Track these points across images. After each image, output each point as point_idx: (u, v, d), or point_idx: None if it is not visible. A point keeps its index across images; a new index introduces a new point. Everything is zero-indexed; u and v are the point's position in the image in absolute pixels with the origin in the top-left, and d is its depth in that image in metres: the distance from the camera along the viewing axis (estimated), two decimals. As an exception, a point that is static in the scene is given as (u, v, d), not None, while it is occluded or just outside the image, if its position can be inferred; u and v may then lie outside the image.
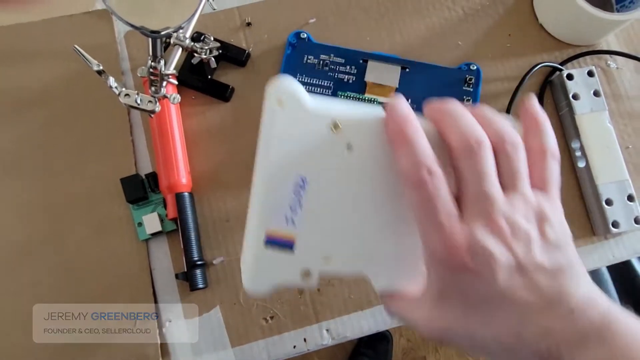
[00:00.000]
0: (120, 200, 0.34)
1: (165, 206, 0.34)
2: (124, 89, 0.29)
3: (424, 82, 0.37)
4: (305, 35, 0.37)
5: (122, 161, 0.35)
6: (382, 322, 0.34)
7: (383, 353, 1.01)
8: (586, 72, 0.36)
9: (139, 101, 0.29)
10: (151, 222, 0.33)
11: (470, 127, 0.21)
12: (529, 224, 0.21)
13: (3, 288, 0.33)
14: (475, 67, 0.37)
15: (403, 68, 0.37)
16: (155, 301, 0.33)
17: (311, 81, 0.37)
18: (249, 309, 0.33)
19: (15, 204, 0.34)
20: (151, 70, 0.28)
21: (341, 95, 0.35)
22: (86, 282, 0.33)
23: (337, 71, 0.37)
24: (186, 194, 0.33)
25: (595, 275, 0.50)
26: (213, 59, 0.33)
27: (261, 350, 0.33)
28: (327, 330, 0.33)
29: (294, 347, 0.33)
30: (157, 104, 0.30)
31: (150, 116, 0.31)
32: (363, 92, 0.36)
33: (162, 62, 0.28)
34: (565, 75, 0.36)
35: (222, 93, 0.36)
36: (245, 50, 0.37)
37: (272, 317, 0.33)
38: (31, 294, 0.33)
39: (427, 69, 0.37)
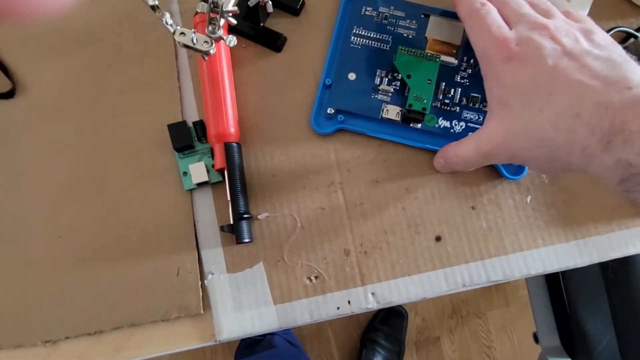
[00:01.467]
0: (165, 148, 0.33)
1: (212, 156, 0.32)
2: (178, 27, 0.28)
3: None
4: None
5: (168, 108, 0.34)
6: (430, 289, 0.32)
7: (397, 330, 1.01)
8: (666, 39, 0.33)
9: (194, 40, 0.28)
10: (198, 171, 0.32)
11: None
12: (573, 29, 0.25)
13: (43, 230, 0.32)
14: None
15: None
16: (198, 253, 0.32)
17: (369, 34, 0.34)
18: (293, 267, 0.32)
19: (56, 147, 0.33)
20: (212, 5, 0.26)
21: (402, 50, 0.33)
22: (127, 230, 0.32)
23: (397, 25, 0.35)
24: (235, 144, 0.32)
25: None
26: (270, 2, 0.31)
27: (304, 309, 0.32)
28: (372, 293, 0.32)
29: (338, 308, 0.32)
30: (213, 45, 0.28)
31: (204, 58, 0.30)
32: (424, 48, 0.34)
33: (225, -3, 0.26)
34: (642, 41, 0.33)
35: (274, 42, 0.34)
36: (300, -1, 0.35)
37: (316, 277, 0.32)
38: (72, 240, 0.32)
39: None
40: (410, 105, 0.32)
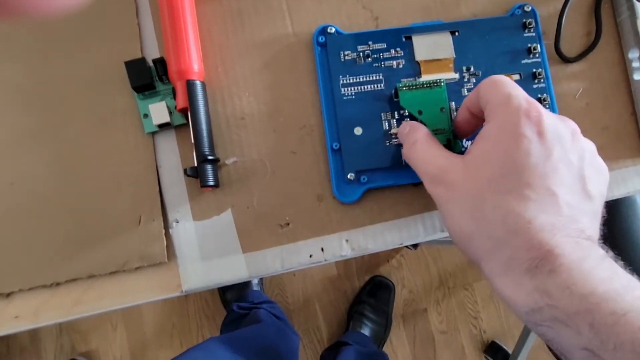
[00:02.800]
0: (124, 89, 0.31)
1: (174, 96, 0.30)
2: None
3: (481, 42, 0.31)
4: (333, 29, 0.31)
5: (126, 46, 0.31)
6: (408, 235, 0.31)
7: (385, 302, 1.01)
8: (655, -30, 0.32)
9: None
10: (159, 111, 0.30)
11: None
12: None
13: (-5, 179, 0.30)
14: (530, 8, 0.32)
15: (452, 33, 0.31)
16: (162, 200, 0.30)
17: (358, 79, 0.31)
18: (263, 214, 0.31)
19: (5, 90, 0.31)
20: None
21: (402, 88, 0.29)
22: (84, 176, 0.30)
23: (383, 59, 0.31)
24: (198, 82, 0.29)
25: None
26: None
27: (275, 257, 0.30)
28: (346, 240, 0.31)
29: (310, 256, 0.30)
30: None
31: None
32: (419, 75, 0.31)
33: None
34: (630, -27, 0.32)
35: (241, -24, 0.32)
36: None
37: (287, 224, 0.31)
38: (25, 188, 0.30)
39: (479, 26, 0.32)
40: None
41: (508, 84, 0.24)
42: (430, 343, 1.03)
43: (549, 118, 0.22)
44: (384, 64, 0.31)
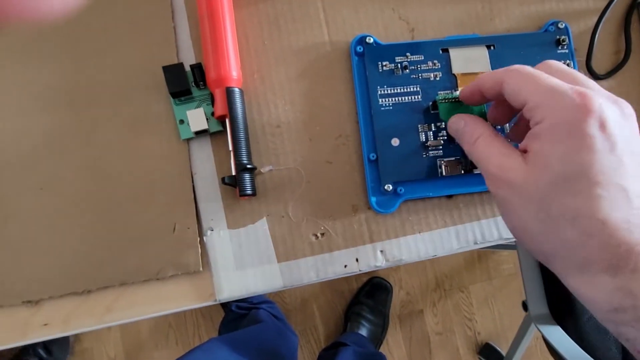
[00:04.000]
0: (158, 93, 0.30)
1: (212, 103, 0.30)
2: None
3: (515, 57, 0.32)
4: (372, 39, 0.31)
5: (161, 50, 0.31)
6: (441, 246, 0.31)
7: (382, 303, 1.02)
8: (685, -8, 0.32)
9: (197, -33, 0.25)
10: (197, 118, 0.29)
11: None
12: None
13: (22, 182, 0.29)
14: (563, 25, 0.32)
15: (487, 47, 0.32)
16: (196, 208, 0.30)
17: (396, 90, 0.31)
18: (298, 223, 0.30)
19: (36, 93, 0.30)
20: None
21: (441, 101, 0.30)
22: (117, 182, 0.30)
23: (420, 70, 0.31)
24: (237, 89, 0.29)
25: None
26: None
27: (309, 267, 0.30)
28: (381, 251, 0.31)
29: (345, 266, 0.30)
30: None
31: (206, -9, 0.27)
32: (456, 87, 0.31)
33: None
34: (662, -6, 0.32)
35: (279, -18, 0.32)
36: None
37: (322, 234, 0.31)
38: (56, 193, 0.29)
39: (514, 41, 0.32)
40: None
41: (541, 76, 0.22)
42: (426, 344, 1.04)
43: (608, 108, 0.21)
44: (421, 75, 0.31)
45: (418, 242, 0.31)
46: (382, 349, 1.02)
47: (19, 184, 0.29)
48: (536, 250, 0.23)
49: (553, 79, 0.22)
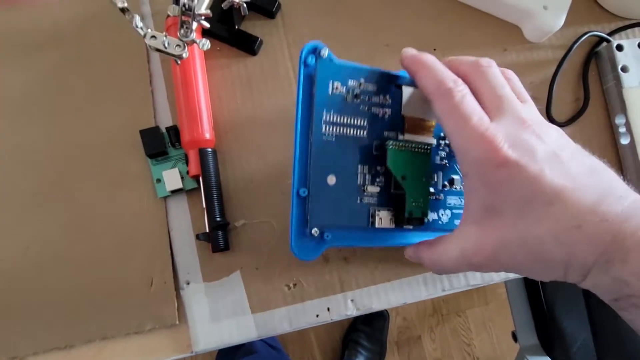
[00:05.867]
0: (136, 154, 0.32)
1: (186, 162, 0.31)
2: (149, 29, 0.27)
3: None
4: (327, 52, 0.25)
5: (140, 113, 0.33)
6: (410, 294, 0.32)
7: (379, 330, 1.02)
8: (637, 43, 0.34)
9: (166, 44, 0.27)
10: (172, 178, 0.31)
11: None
12: (546, 126, 0.23)
13: (8, 242, 0.31)
14: None
15: None
16: (173, 262, 0.31)
17: (342, 120, 0.26)
18: (271, 275, 0.32)
19: (22, 153, 0.32)
20: (184, 8, 0.25)
21: (393, 146, 0.27)
22: (98, 239, 0.31)
23: (370, 103, 0.27)
24: (210, 150, 0.31)
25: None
26: (245, 4, 0.31)
27: (283, 317, 0.31)
28: (352, 300, 0.32)
29: (317, 316, 0.32)
30: (186, 48, 0.27)
31: (177, 62, 0.29)
32: (401, 132, 0.28)
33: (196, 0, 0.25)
34: (615, 45, 0.34)
35: (250, 45, 0.33)
36: (276, 0, 0.34)
37: (295, 285, 0.32)
38: (40, 252, 0.31)
39: None
40: (410, 214, 0.27)
41: (437, 69, 0.24)
42: (425, 370, 1.03)
43: (507, 125, 0.22)
44: (370, 108, 0.27)
45: (388, 290, 0.32)
46: (381, 377, 1.01)
47: (6, 244, 0.31)
48: (539, 276, 0.23)
49: (469, 106, 0.22)
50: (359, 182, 0.27)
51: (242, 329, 0.31)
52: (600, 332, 0.53)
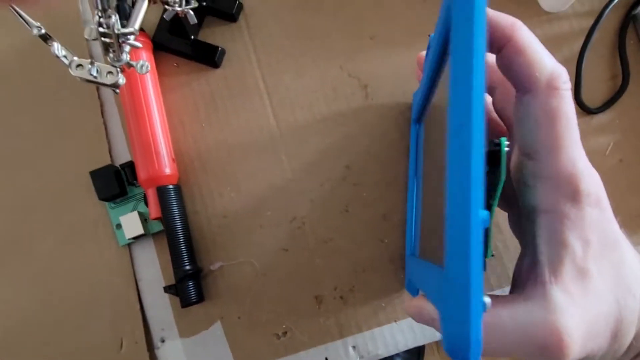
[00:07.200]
0: (93, 197, 0.28)
1: (147, 203, 0.27)
2: (75, 57, 0.22)
3: None
4: None
5: (92, 149, 0.29)
6: (422, 335, 0.27)
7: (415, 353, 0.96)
8: (688, -1, 0.27)
9: (94, 73, 0.22)
10: (131, 223, 0.27)
11: None
12: None
13: (-31, 306, 0.28)
14: None
15: None
16: (144, 318, 0.27)
17: None
18: (256, 323, 0.27)
19: (-25, 206, 0.29)
20: (101, 29, 0.21)
21: None
22: (59, 298, 0.28)
23: None
24: (171, 187, 0.26)
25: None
26: (191, 12, 0.26)
27: (274, 373, 0.27)
28: (353, 347, 0.27)
29: (314, 368, 0.27)
30: (120, 75, 0.23)
31: (115, 92, 0.24)
32: None
33: (114, 17, 0.20)
34: (658, 5, 0.27)
35: (211, 57, 0.29)
36: (236, 0, 0.29)
37: (285, 333, 0.27)
38: (1, 317, 0.28)
39: None
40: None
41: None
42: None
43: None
44: None
45: (395, 332, 0.27)
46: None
47: (-35, 309, 0.28)
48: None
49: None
50: None
51: (229, 389, 0.27)
52: None
